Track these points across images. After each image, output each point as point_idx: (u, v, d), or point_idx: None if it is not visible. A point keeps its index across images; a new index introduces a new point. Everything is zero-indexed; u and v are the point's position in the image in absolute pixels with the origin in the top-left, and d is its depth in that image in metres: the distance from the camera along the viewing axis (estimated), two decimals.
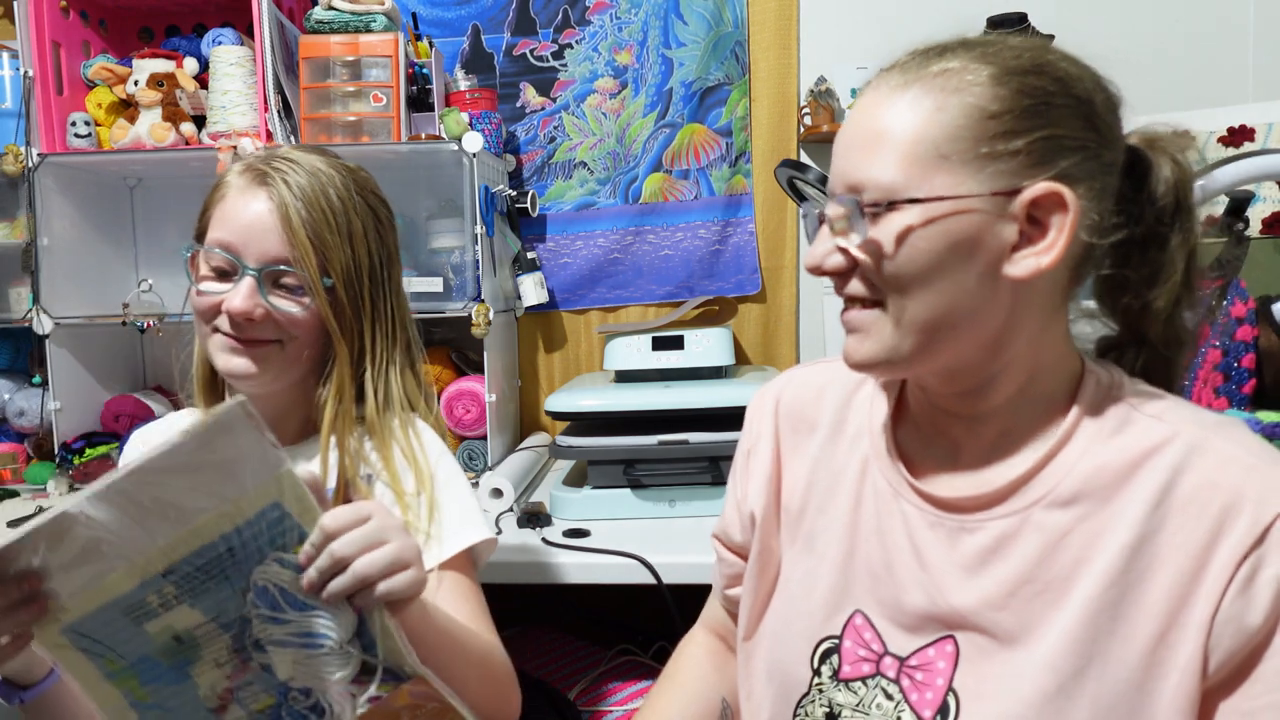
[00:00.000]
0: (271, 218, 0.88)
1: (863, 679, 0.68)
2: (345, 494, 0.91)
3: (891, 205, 0.60)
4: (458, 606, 0.89)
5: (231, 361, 0.90)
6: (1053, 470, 0.64)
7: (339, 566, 0.64)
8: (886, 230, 0.61)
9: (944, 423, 0.70)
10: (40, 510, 1.56)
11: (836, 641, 0.71)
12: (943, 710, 0.64)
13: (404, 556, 0.66)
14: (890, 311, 0.63)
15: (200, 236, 0.93)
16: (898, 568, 0.68)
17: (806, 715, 0.71)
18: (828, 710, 0.70)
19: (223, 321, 0.89)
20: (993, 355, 0.64)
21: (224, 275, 0.90)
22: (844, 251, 0.64)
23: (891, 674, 0.67)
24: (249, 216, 0.89)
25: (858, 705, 0.68)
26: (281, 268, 0.89)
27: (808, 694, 0.71)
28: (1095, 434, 0.63)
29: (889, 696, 0.67)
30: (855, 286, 0.65)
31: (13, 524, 1.47)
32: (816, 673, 0.71)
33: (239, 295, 0.87)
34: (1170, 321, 0.67)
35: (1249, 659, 0.58)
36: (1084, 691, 0.59)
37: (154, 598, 0.67)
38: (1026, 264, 0.60)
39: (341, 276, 0.91)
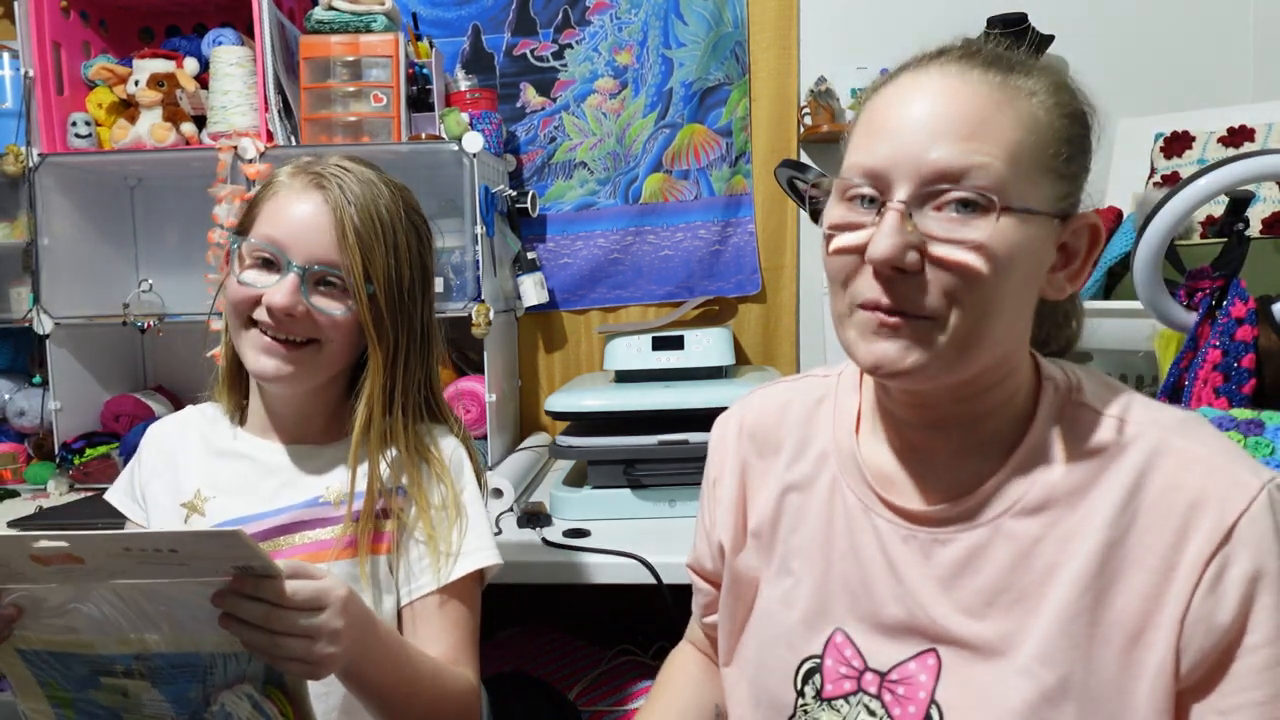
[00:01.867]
0: (326, 220, 0.89)
1: (845, 696, 0.68)
2: (377, 505, 0.92)
3: (1005, 209, 0.57)
4: (443, 635, 0.92)
5: (262, 361, 0.90)
6: (1020, 478, 0.64)
7: (262, 623, 0.67)
8: (985, 229, 0.57)
9: (912, 433, 0.69)
10: (40, 510, 1.56)
11: (818, 661, 0.70)
12: None
13: (310, 659, 0.70)
14: (953, 324, 0.59)
15: (243, 231, 0.93)
16: (874, 583, 0.68)
17: None
18: None
19: (261, 314, 0.89)
20: (997, 369, 0.64)
21: (267, 270, 0.90)
22: (919, 248, 0.58)
23: (873, 690, 0.67)
24: (302, 215, 0.89)
25: None
26: (327, 269, 0.89)
27: (794, 716, 0.71)
28: (1059, 439, 0.64)
29: (872, 713, 0.66)
30: (931, 296, 0.58)
31: (13, 524, 1.46)
32: (800, 694, 0.70)
33: (281, 291, 0.87)
34: (1067, 318, 0.74)
35: (1221, 658, 0.58)
36: (1068, 698, 0.59)
37: (120, 667, 0.70)
38: (1064, 287, 0.64)
39: (383, 286, 0.91)
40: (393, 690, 0.81)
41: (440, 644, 0.92)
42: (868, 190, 0.60)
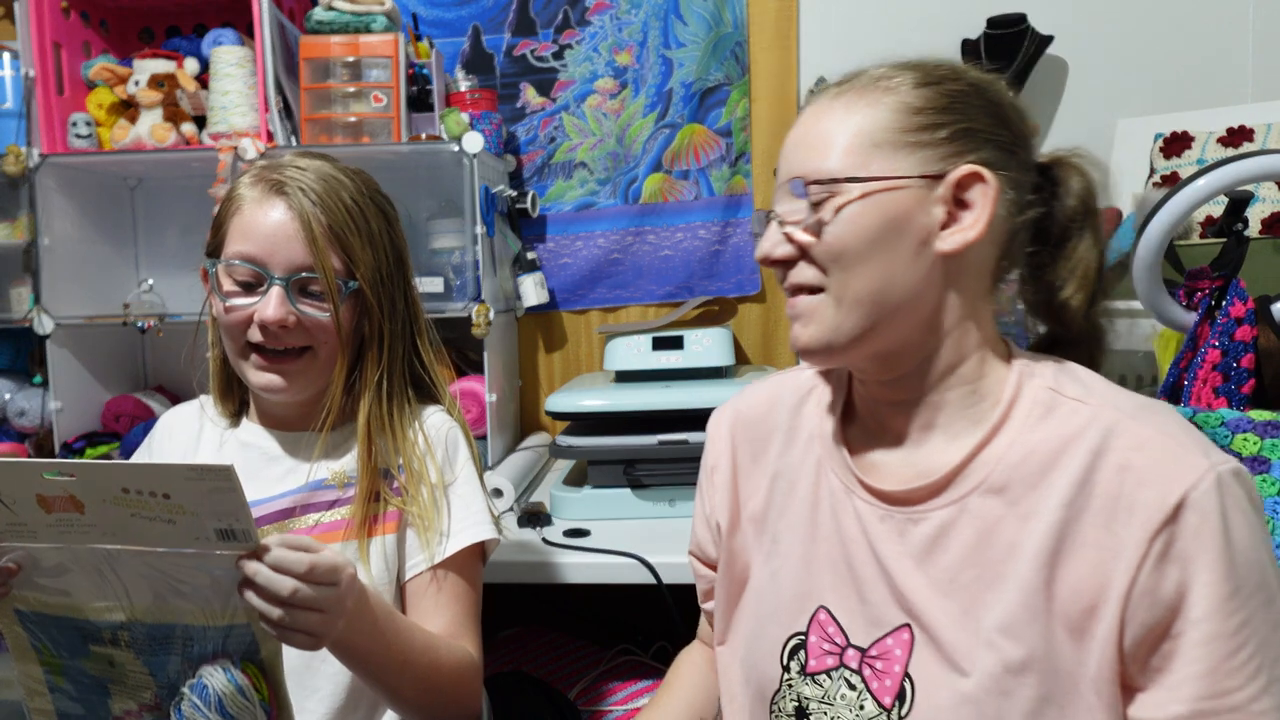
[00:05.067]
0: (294, 225, 0.89)
1: (827, 671, 0.72)
2: (373, 490, 0.94)
3: (833, 183, 0.67)
4: (443, 610, 0.93)
5: (263, 379, 0.92)
6: (985, 459, 0.67)
7: (284, 595, 0.68)
8: (827, 210, 0.67)
9: (884, 414, 0.74)
10: None
11: (803, 637, 0.74)
12: (900, 695, 0.67)
13: (318, 632, 0.71)
14: (833, 291, 0.68)
15: (215, 252, 0.94)
16: (856, 563, 0.72)
17: (779, 710, 0.74)
18: (797, 704, 0.73)
19: (254, 333, 0.90)
20: (928, 334, 0.69)
21: (249, 288, 0.90)
22: (790, 239, 0.69)
23: (854, 665, 0.70)
24: (270, 226, 0.89)
25: (823, 697, 0.71)
26: (308, 274, 0.90)
27: (779, 690, 0.74)
28: (1024, 421, 0.67)
29: (852, 687, 0.70)
30: (801, 271, 0.70)
31: None
32: (786, 669, 0.74)
33: (270, 305, 0.88)
34: (1088, 318, 0.74)
35: (1165, 633, 0.61)
36: (1028, 671, 0.63)
37: (108, 633, 0.74)
38: (955, 239, 0.67)
39: (368, 279, 0.93)
40: (382, 661, 0.82)
41: (439, 619, 0.93)
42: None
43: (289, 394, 0.93)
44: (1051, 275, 0.73)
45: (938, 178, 0.67)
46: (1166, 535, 0.60)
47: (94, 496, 0.67)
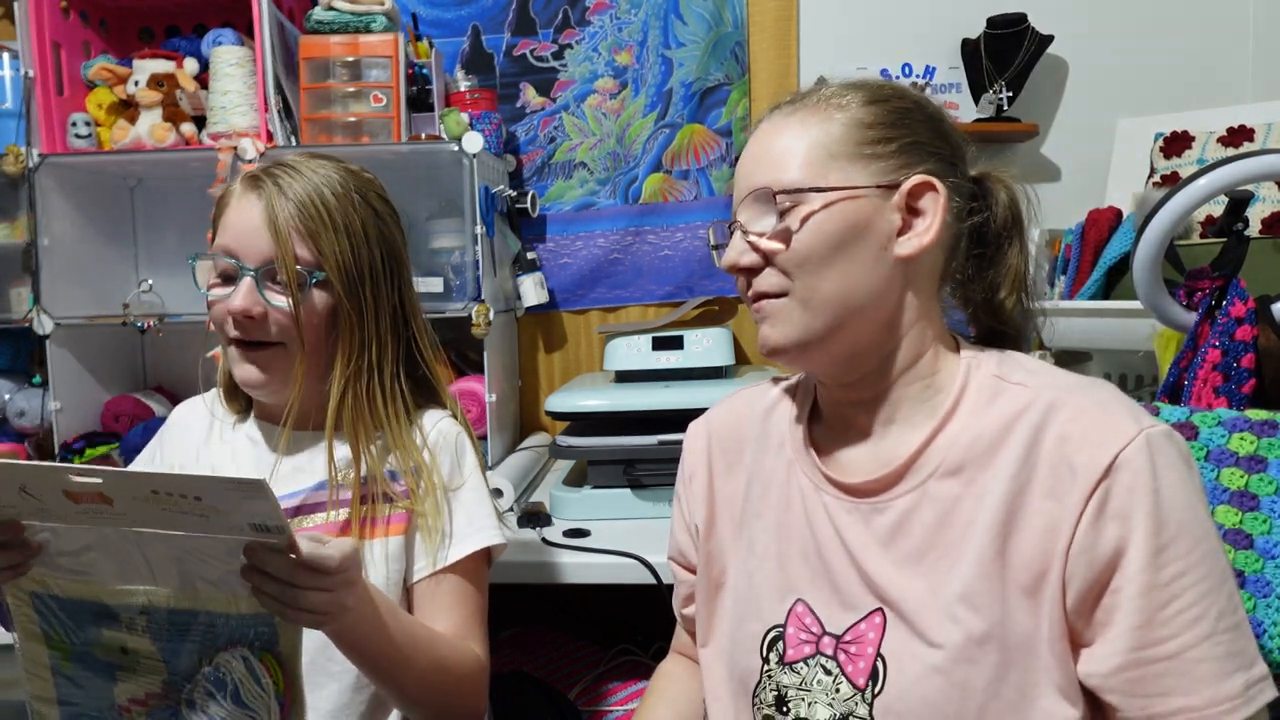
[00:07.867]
0: (261, 219, 0.91)
1: (804, 660, 0.75)
2: (391, 487, 0.94)
3: (798, 193, 0.71)
4: (449, 613, 0.94)
5: (242, 370, 0.94)
6: (939, 445, 0.72)
7: (288, 578, 0.69)
8: (793, 219, 0.71)
9: (848, 413, 0.79)
10: None
11: (781, 629, 0.77)
12: (873, 675, 0.71)
13: (329, 612, 0.72)
14: (798, 294, 0.72)
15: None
16: (828, 554, 0.75)
17: (760, 702, 0.77)
18: (777, 693, 0.76)
19: (230, 326, 0.92)
20: (888, 334, 0.74)
21: (229, 280, 0.93)
22: (756, 249, 0.73)
23: (829, 651, 0.73)
24: (244, 221, 0.92)
25: (801, 684, 0.74)
26: (274, 265, 0.91)
27: (760, 682, 0.77)
28: (973, 407, 0.72)
29: (828, 672, 0.73)
30: (767, 278, 0.74)
31: None
32: (765, 660, 0.77)
33: (239, 295, 0.91)
34: (1017, 311, 0.80)
35: (1103, 588, 0.65)
36: (990, 641, 0.66)
37: (126, 617, 0.73)
38: (911, 244, 0.72)
39: (338, 272, 0.92)
40: (386, 653, 0.82)
41: (444, 623, 0.93)
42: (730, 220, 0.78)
43: (267, 387, 0.94)
44: (992, 277, 0.79)
45: (892, 187, 0.72)
46: (1101, 494, 0.64)
47: (123, 495, 0.66)
